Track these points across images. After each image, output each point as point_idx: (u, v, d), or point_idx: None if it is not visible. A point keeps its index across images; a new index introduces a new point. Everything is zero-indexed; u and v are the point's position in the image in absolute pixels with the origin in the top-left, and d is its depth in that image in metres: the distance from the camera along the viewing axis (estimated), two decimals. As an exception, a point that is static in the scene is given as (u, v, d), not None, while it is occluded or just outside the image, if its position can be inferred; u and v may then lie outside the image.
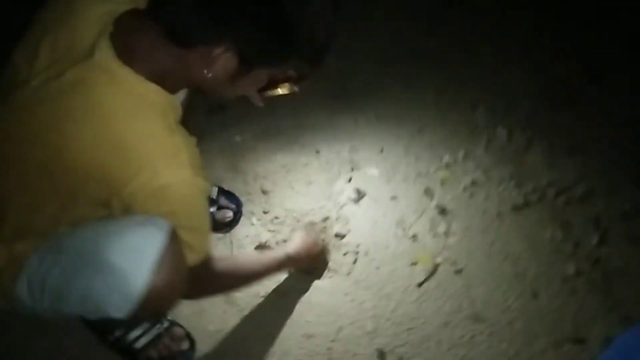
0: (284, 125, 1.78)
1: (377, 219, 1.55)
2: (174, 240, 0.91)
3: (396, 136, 1.76)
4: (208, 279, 1.06)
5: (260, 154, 1.70)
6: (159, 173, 0.87)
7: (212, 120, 1.76)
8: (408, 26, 2.10)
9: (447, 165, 1.68)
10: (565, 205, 1.59)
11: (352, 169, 1.67)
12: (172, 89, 0.93)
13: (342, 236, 1.50)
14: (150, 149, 0.87)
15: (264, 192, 1.60)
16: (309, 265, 1.43)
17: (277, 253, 1.32)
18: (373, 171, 1.67)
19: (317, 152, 1.70)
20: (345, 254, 1.46)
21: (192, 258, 0.95)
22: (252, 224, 1.54)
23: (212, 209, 1.52)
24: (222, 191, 1.57)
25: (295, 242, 1.38)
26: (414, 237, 1.51)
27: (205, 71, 0.88)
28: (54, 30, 0.90)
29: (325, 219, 1.53)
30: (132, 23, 0.88)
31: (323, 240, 1.49)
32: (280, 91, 1.19)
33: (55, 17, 0.92)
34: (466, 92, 1.89)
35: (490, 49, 2.00)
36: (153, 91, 0.89)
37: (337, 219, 1.54)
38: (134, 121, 0.87)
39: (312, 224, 1.51)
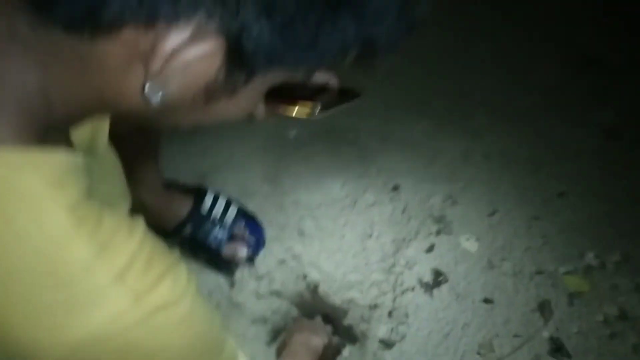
0: (361, 128, 1.22)
1: (453, 329, 1.00)
2: None
3: (523, 194, 1.15)
4: None
5: (313, 170, 1.16)
6: (64, 325, 0.39)
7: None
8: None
9: (588, 270, 1.06)
10: None
11: (439, 232, 1.10)
12: (65, 130, 0.45)
13: (390, 345, 0.97)
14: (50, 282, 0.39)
15: (301, 233, 1.08)
16: None
17: None
18: (470, 244, 1.09)
19: (395, 188, 1.14)
20: (384, 381, 0.94)
21: None
22: (259, 281, 1.04)
23: (220, 234, 1.04)
24: (242, 214, 1.07)
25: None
26: (501, 382, 0.95)
27: (143, 89, 0.38)
28: None
29: (373, 306, 1.00)
30: None
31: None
32: (296, 112, 0.68)
33: None
34: None
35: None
36: (28, 169, 0.38)
37: (390, 313, 1.00)
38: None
39: (317, 320, 0.97)
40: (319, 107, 0.67)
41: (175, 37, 0.35)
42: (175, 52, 0.36)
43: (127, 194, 0.64)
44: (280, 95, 0.71)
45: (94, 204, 0.42)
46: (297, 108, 0.67)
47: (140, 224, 0.45)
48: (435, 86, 1.28)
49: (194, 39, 0.36)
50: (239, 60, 0.38)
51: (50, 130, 0.41)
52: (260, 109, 0.72)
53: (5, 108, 0.38)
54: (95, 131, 0.58)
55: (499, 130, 1.23)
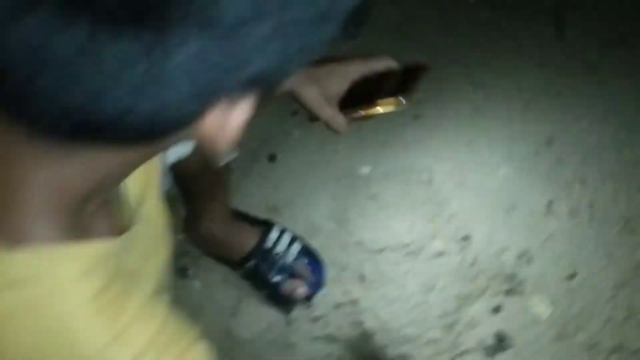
0: (436, 169, 1.17)
1: (511, 401, 0.94)
2: None
3: (610, 258, 1.05)
4: None
5: (381, 209, 1.14)
6: None
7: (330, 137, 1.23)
8: None
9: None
10: None
11: (509, 291, 1.03)
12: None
13: (439, 410, 0.94)
14: None
15: (361, 277, 1.07)
16: None
17: None
18: (542, 309, 1.01)
19: (466, 238, 1.09)
20: None
21: None
22: (315, 322, 1.04)
23: (282, 270, 1.05)
24: (306, 252, 1.08)
25: None
26: None
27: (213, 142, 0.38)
28: None
29: (428, 366, 0.97)
30: None
31: None
32: (382, 109, 0.64)
33: None
34: None
35: None
36: (61, 262, 0.40)
37: (445, 374, 0.97)
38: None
39: None
40: (399, 95, 0.63)
41: (216, 115, 0.35)
42: (221, 124, 0.35)
43: (166, 252, 0.63)
44: (352, 100, 0.65)
45: (119, 285, 0.42)
46: (378, 105, 0.63)
47: (162, 305, 0.45)
48: (521, 129, 1.19)
49: (236, 104, 0.35)
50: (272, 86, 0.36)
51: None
52: (341, 120, 0.67)
53: (44, 206, 0.40)
54: (148, 179, 0.58)
55: (591, 182, 1.12)
